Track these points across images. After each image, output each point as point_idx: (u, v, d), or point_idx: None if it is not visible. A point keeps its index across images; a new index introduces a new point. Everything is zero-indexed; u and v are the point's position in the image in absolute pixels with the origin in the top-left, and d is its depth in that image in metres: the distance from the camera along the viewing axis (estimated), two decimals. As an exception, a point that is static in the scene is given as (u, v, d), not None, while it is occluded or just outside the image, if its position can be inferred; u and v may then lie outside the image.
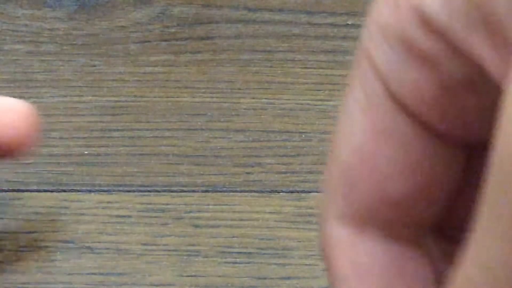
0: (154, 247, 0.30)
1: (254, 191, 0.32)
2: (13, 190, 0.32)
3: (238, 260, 0.30)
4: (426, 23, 0.18)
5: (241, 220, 0.31)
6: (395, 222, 0.19)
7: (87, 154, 0.33)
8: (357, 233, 0.20)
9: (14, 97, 0.35)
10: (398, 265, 0.19)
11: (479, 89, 0.18)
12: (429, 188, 0.19)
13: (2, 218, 0.32)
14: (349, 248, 0.20)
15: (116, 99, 0.35)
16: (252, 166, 0.33)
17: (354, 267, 0.19)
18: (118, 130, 0.34)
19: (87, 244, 0.30)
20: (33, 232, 0.31)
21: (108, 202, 0.32)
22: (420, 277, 0.20)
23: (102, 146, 0.34)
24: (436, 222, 0.20)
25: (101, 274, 0.30)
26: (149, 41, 0.37)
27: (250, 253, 0.30)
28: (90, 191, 0.32)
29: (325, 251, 0.20)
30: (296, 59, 0.37)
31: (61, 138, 0.34)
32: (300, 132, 0.34)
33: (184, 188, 0.32)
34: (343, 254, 0.20)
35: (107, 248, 0.30)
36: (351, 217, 0.20)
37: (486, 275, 0.15)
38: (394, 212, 0.19)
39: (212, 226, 0.31)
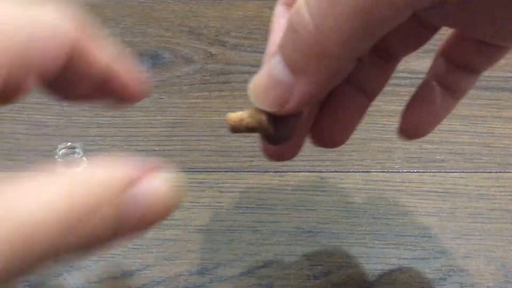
0: (196, 204, 0.30)
1: (255, 171, 0.32)
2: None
3: (246, 211, 0.30)
4: None
5: (247, 187, 0.31)
6: None
7: (157, 150, 0.33)
8: (287, 10, 0.20)
9: (115, 117, 0.35)
10: None
11: None
12: None
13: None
14: (281, 16, 0.20)
15: (174, 118, 0.35)
16: (253, 157, 0.33)
17: (279, 25, 0.20)
18: (175, 136, 0.34)
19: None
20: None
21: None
22: None
23: (166, 145, 0.34)
24: None
25: (166, 219, 0.30)
26: (194, 84, 0.38)
27: (252, 207, 0.30)
28: (159, 171, 0.32)
29: (272, 21, 0.20)
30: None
31: (142, 140, 0.34)
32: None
33: (214, 170, 0.32)
34: (277, 19, 0.20)
35: (169, 204, 0.30)
36: (287, 1, 0.20)
37: None
38: None
39: (230, 191, 0.31)
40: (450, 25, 0.20)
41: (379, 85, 0.23)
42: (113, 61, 0.19)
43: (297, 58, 0.16)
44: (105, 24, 0.43)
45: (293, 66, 0.17)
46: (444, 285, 0.27)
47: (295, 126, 0.20)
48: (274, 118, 0.19)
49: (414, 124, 0.23)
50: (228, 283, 0.27)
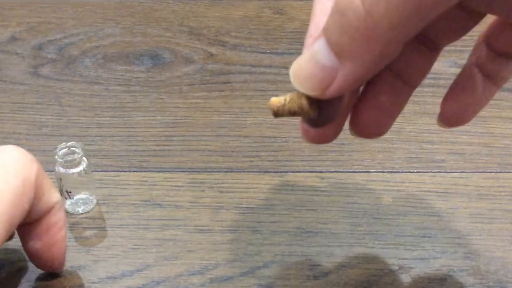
0: (196, 204, 0.30)
1: (255, 171, 0.32)
2: (134, 171, 0.31)
3: (245, 211, 0.30)
4: None
5: (247, 188, 0.31)
6: None
7: (157, 150, 0.33)
8: None
9: (115, 117, 0.35)
10: None
11: None
12: None
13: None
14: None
15: (174, 118, 0.35)
16: (253, 157, 0.33)
17: (321, 7, 0.19)
18: (175, 136, 0.34)
19: (157, 202, 0.30)
20: (126, 196, 0.31)
21: (170, 178, 0.31)
22: None
23: (166, 145, 0.33)
24: None
25: (166, 219, 0.29)
26: (193, 84, 0.38)
27: (252, 207, 0.30)
28: (159, 171, 0.32)
29: (314, 3, 0.20)
30: (279, 95, 0.37)
31: (142, 140, 0.34)
32: (281, 137, 0.34)
33: (214, 170, 0.32)
34: (319, 2, 0.19)
35: (169, 205, 0.30)
36: None
37: None
38: None
39: (230, 192, 0.31)
40: (494, 12, 0.19)
41: (421, 73, 0.22)
42: (55, 206, 0.22)
43: (344, 42, 0.16)
44: (105, 24, 0.43)
45: (339, 50, 0.17)
46: (444, 285, 0.27)
47: (337, 109, 0.19)
48: (317, 102, 0.19)
49: (455, 112, 0.22)
50: (228, 283, 0.27)
